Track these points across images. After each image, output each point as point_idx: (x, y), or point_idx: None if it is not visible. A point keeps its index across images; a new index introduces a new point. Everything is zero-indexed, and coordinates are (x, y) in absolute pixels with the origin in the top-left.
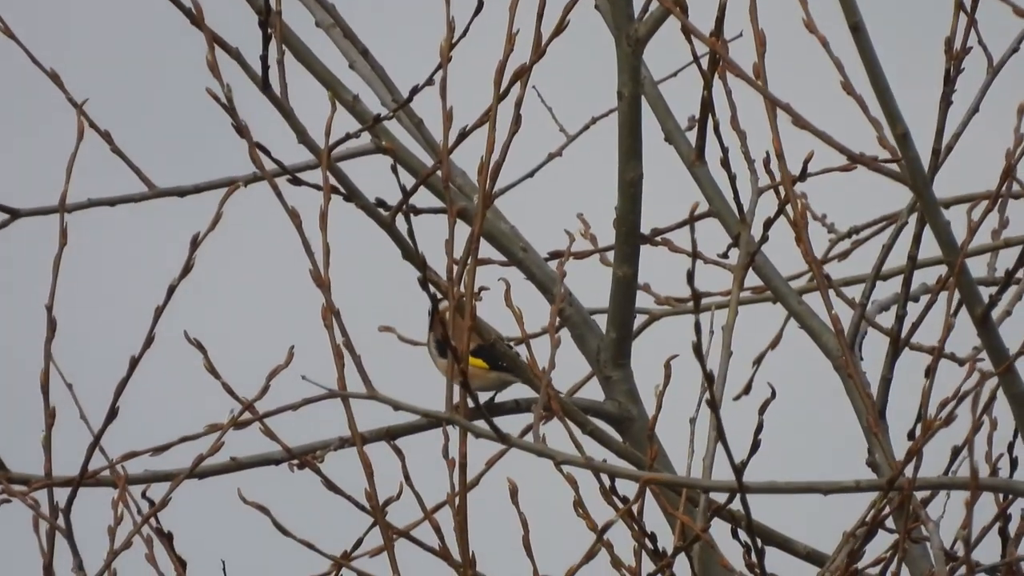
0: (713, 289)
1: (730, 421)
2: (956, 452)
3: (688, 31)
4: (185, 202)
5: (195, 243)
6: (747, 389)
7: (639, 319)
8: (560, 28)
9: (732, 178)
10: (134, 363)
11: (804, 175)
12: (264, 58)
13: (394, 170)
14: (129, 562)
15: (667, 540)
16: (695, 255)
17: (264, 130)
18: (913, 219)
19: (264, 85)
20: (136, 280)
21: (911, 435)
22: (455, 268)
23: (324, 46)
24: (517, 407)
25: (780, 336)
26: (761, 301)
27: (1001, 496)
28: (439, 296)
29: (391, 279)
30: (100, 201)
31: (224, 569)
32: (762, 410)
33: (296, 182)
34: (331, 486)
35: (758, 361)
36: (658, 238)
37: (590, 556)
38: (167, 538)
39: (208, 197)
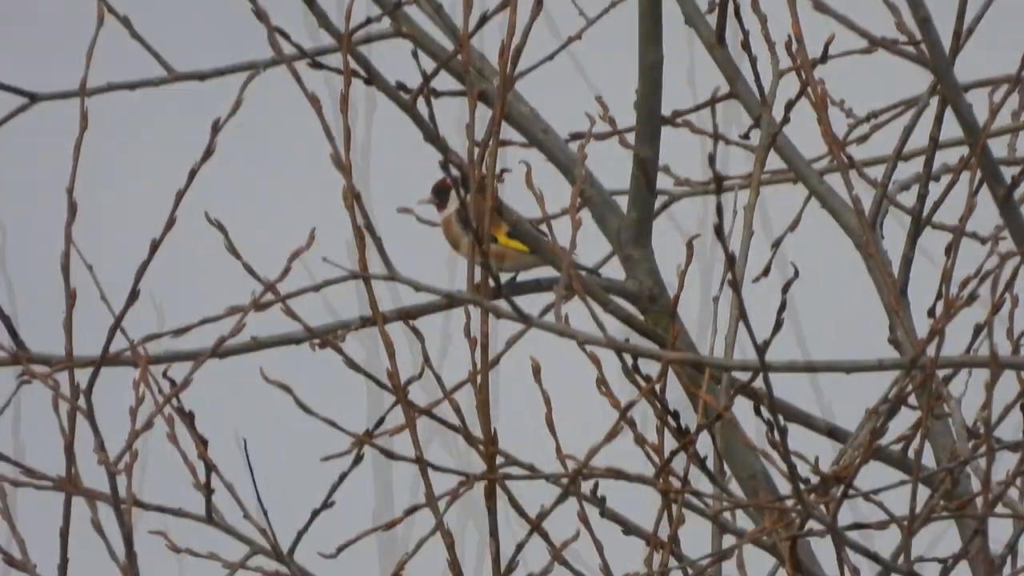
0: (733, 173)
1: (752, 304)
2: (978, 330)
3: None
4: (205, 88)
5: (216, 128)
6: (766, 271)
7: (659, 201)
8: None
9: (753, 61)
10: (155, 246)
11: (825, 57)
12: None
13: (415, 55)
14: (150, 443)
15: (690, 419)
16: (716, 136)
17: (284, 16)
18: (934, 102)
19: None
20: (157, 165)
21: (931, 312)
22: (476, 150)
23: None
24: (539, 286)
25: (799, 218)
26: (782, 182)
27: (1023, 374)
28: (454, 176)
29: (412, 166)
30: (119, 85)
31: (245, 448)
32: (785, 289)
33: (316, 66)
34: (352, 365)
35: (777, 243)
36: (679, 120)
37: (613, 435)
38: (188, 417)
39: (229, 82)
